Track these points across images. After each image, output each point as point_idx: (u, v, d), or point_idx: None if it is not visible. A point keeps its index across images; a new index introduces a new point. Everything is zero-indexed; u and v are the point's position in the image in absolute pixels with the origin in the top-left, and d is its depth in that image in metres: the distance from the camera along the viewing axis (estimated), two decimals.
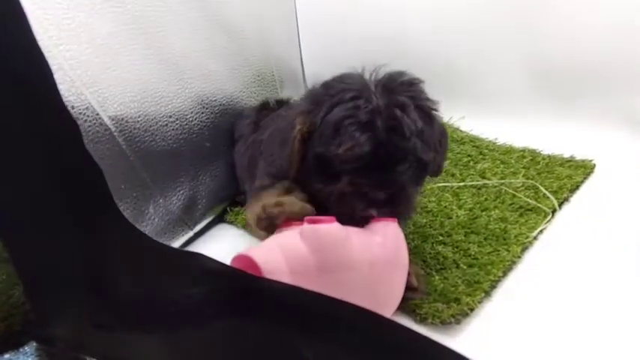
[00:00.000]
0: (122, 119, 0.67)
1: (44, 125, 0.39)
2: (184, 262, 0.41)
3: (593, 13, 0.97)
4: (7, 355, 0.51)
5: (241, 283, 0.42)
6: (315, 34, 1.22)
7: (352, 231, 0.51)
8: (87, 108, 0.61)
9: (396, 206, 0.53)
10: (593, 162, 0.91)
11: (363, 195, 0.51)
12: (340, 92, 0.53)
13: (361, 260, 0.50)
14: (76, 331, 0.49)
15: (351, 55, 1.22)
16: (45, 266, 0.47)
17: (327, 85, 0.57)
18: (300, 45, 1.22)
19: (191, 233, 0.80)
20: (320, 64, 1.23)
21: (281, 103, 0.88)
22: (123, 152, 0.67)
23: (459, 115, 1.13)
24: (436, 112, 0.57)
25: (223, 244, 0.80)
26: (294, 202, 0.53)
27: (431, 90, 1.15)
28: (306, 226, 0.48)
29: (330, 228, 0.48)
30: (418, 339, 0.38)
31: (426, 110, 0.55)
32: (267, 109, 0.87)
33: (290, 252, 0.47)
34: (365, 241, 0.51)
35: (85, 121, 0.61)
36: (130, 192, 0.69)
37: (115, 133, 0.65)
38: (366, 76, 0.56)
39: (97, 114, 0.63)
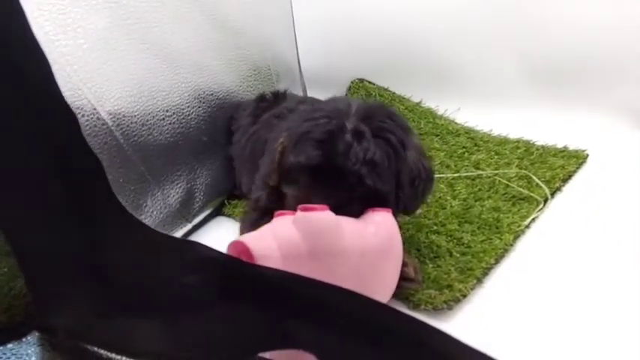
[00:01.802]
0: (119, 114, 0.67)
1: (43, 116, 0.40)
2: (181, 250, 0.42)
3: (586, 5, 0.97)
4: (10, 345, 0.52)
5: (236, 270, 0.43)
6: (311, 28, 1.22)
7: (345, 220, 0.52)
8: (84, 103, 0.62)
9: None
10: (586, 152, 0.92)
11: (307, 201, 0.53)
12: (317, 110, 0.58)
13: (352, 248, 0.51)
14: (78, 321, 0.51)
15: (346, 49, 1.24)
16: (46, 257, 0.48)
17: (315, 104, 0.62)
18: (296, 39, 1.22)
19: (189, 226, 0.81)
20: (316, 58, 1.24)
21: (277, 95, 0.89)
22: (120, 146, 0.68)
23: (454, 107, 1.13)
24: (407, 151, 0.58)
25: (221, 237, 0.81)
26: None
27: (426, 83, 1.17)
28: (299, 213, 0.49)
29: (322, 215, 0.49)
30: (410, 322, 0.39)
31: (392, 144, 0.56)
32: (264, 101, 0.88)
33: (282, 238, 0.48)
34: (357, 231, 0.52)
35: (83, 116, 0.62)
36: (128, 185, 0.70)
37: (113, 128, 0.66)
38: (354, 102, 0.58)
39: (95, 109, 0.64)
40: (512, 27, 1.06)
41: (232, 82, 0.94)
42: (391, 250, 0.55)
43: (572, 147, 0.94)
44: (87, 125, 0.62)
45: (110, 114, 0.66)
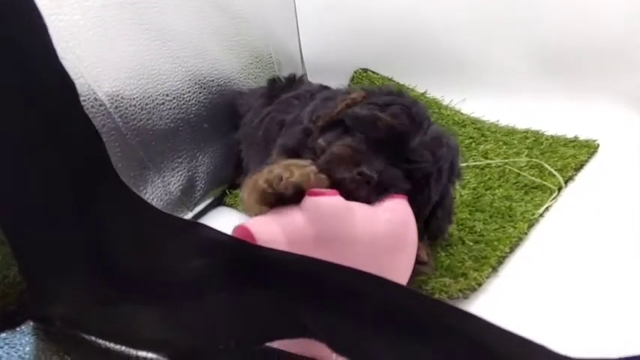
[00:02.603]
0: (117, 96, 0.65)
1: (40, 86, 0.37)
2: (187, 231, 0.39)
3: None
4: (3, 335, 0.49)
5: (245, 253, 0.41)
6: (314, 16, 1.19)
7: (356, 206, 0.49)
8: (81, 82, 0.59)
9: (370, 197, 0.49)
10: (597, 142, 0.90)
11: (352, 162, 0.48)
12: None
13: (362, 235, 0.48)
14: (75, 309, 0.48)
15: (349, 38, 1.21)
16: (43, 243, 0.45)
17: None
18: (297, 27, 1.20)
19: (190, 215, 0.79)
20: (318, 47, 1.22)
21: (292, 80, 0.86)
22: (119, 130, 0.65)
23: (459, 97, 1.11)
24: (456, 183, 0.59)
25: (222, 227, 0.78)
26: (303, 167, 0.47)
27: (431, 73, 1.15)
28: (306, 197, 0.47)
29: (332, 200, 0.47)
30: (434, 305, 0.37)
31: (442, 169, 0.54)
32: (278, 83, 0.85)
33: (288, 222, 0.45)
34: (369, 217, 0.49)
35: (79, 95, 0.59)
36: (127, 171, 0.67)
37: (111, 110, 0.63)
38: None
39: (92, 89, 0.61)
40: (518, 16, 1.04)
41: (233, 69, 0.92)
42: (405, 238, 0.52)
43: (582, 137, 0.92)
44: (84, 106, 0.59)
45: (108, 95, 0.63)
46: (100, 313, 0.44)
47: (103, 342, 0.46)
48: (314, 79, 1.23)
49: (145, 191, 0.70)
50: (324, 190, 0.48)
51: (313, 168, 0.47)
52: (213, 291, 0.39)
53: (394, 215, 0.51)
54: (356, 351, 0.38)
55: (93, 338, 0.47)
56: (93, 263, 0.41)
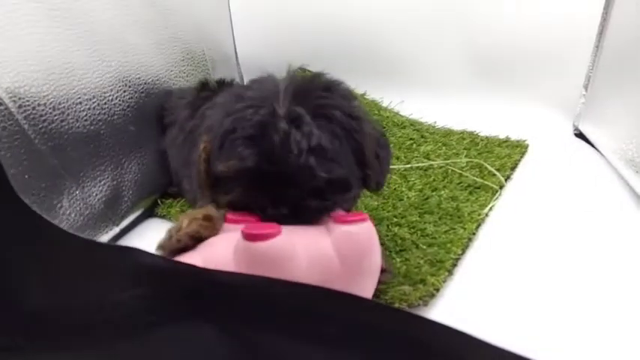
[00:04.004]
0: (22, 93, 0.54)
1: None
2: (113, 259, 0.32)
3: (527, 1, 1.00)
4: None
5: (188, 278, 0.35)
6: (249, 14, 1.14)
7: (301, 243, 0.41)
8: None
9: (300, 221, 0.45)
10: (526, 142, 0.95)
11: (262, 209, 0.45)
12: (239, 99, 0.47)
13: (308, 280, 0.40)
14: None
15: (287, 38, 1.17)
16: None
17: (236, 92, 0.51)
18: (232, 23, 1.13)
19: (116, 230, 0.69)
20: (254, 46, 1.16)
21: (222, 84, 0.79)
22: (24, 134, 0.55)
23: (398, 99, 1.12)
24: (360, 122, 0.49)
25: (154, 242, 0.70)
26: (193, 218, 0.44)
27: (370, 74, 1.14)
28: (240, 241, 0.39)
29: (269, 246, 0.39)
30: (399, 319, 0.34)
31: (338, 120, 0.47)
32: (206, 89, 0.76)
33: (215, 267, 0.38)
34: (316, 255, 0.42)
35: None
36: (37, 182, 0.57)
37: (13, 110, 0.53)
38: (282, 81, 0.49)
39: None
40: (454, 22, 1.06)
41: (162, 66, 0.83)
42: (362, 265, 0.44)
43: (513, 137, 0.96)
44: None
45: (9, 92, 0.53)
46: None
47: None
48: (250, 78, 1.17)
49: (59, 205, 0.60)
50: (264, 230, 0.39)
51: (200, 217, 0.44)
52: (152, 327, 0.32)
53: (345, 244, 0.43)
54: None
55: None
56: None
